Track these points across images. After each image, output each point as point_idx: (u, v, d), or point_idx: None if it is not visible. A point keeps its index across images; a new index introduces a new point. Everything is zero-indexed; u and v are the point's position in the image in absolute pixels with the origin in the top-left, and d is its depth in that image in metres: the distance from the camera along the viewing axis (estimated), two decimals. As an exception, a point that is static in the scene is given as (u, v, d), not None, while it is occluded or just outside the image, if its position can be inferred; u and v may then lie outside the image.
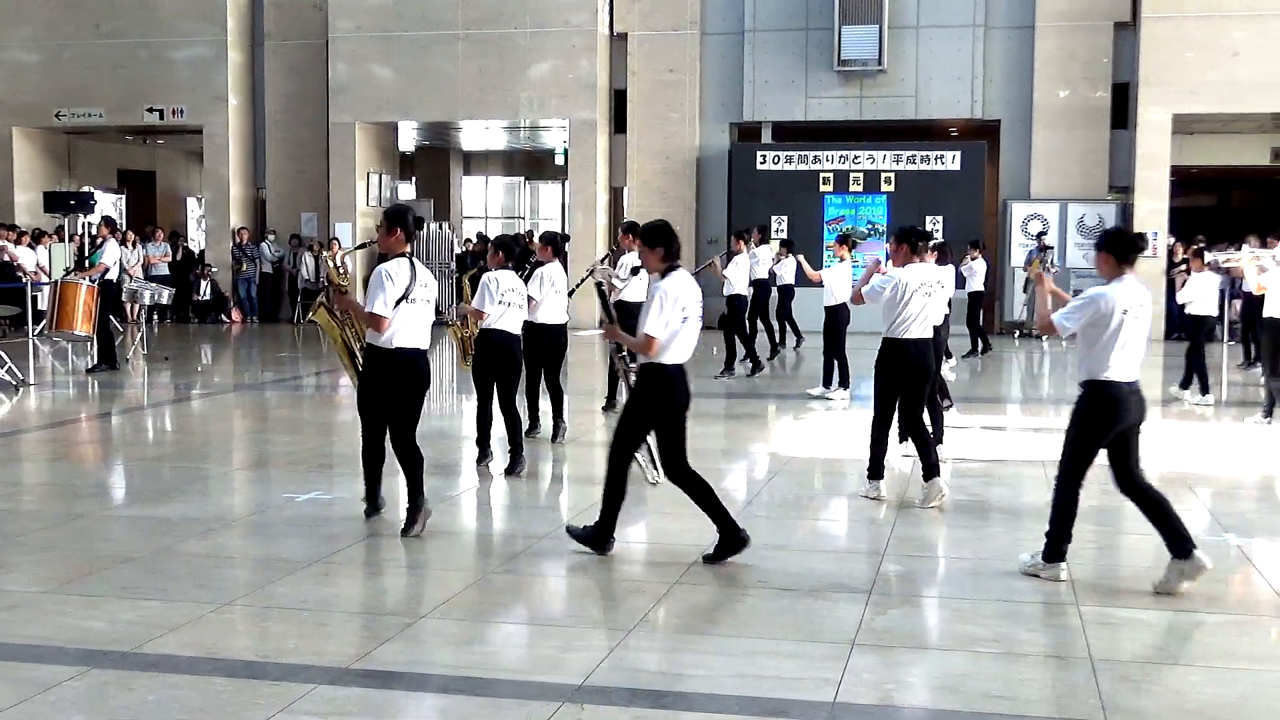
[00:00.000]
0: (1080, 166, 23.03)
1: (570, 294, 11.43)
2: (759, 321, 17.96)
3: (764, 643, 5.65)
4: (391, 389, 7.46)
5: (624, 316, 9.14)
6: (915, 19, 23.24)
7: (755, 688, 5.10)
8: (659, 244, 6.85)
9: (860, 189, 23.45)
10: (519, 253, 10.03)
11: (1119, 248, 6.55)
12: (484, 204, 35.36)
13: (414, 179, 31.61)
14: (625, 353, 7.88)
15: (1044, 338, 17.65)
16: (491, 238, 10.11)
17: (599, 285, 7.74)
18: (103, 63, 25.45)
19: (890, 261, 9.06)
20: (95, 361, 16.12)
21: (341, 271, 8.26)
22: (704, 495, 6.95)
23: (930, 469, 8.44)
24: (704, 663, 5.45)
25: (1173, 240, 22.82)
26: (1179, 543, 6.37)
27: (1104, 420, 6.44)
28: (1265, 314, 12.53)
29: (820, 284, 14.53)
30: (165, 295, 19.18)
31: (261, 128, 25.93)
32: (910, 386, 8.50)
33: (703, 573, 6.82)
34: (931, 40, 23.30)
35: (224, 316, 25.61)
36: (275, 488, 9.27)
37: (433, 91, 24.44)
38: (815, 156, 23.59)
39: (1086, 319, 6.41)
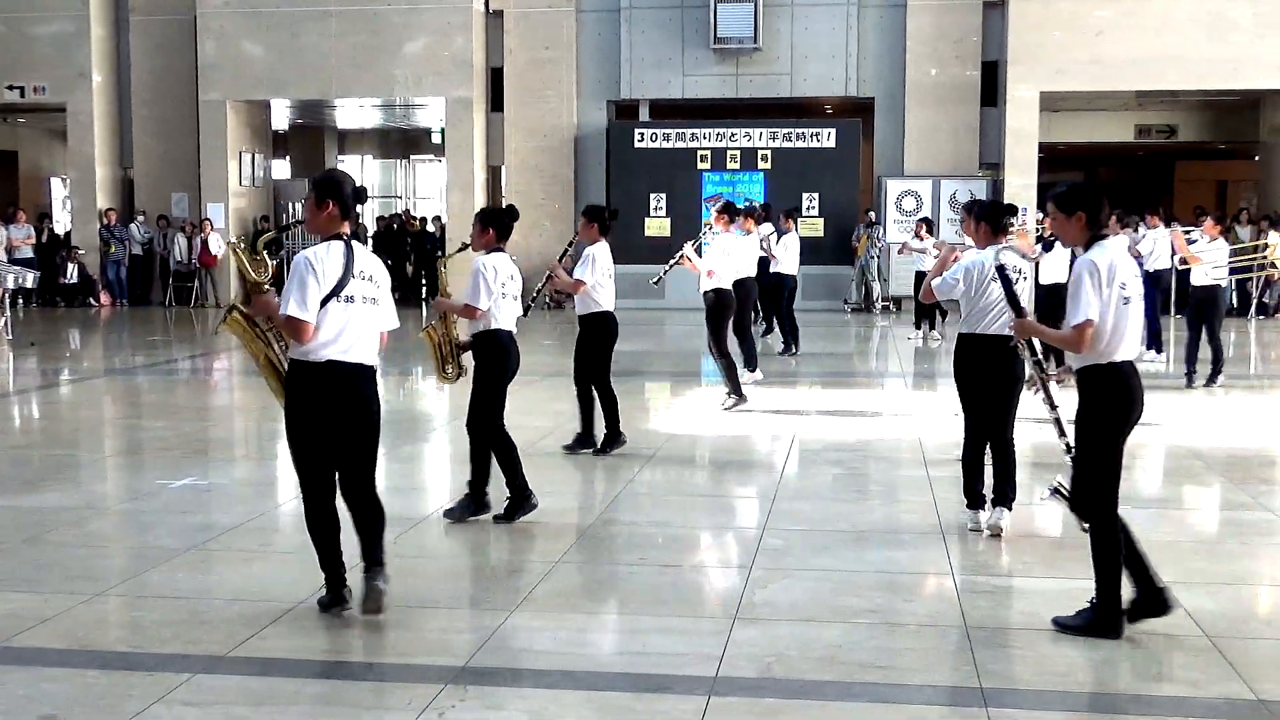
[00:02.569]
0: (952, 143, 23.42)
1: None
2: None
3: (646, 619, 5.69)
4: (327, 419, 5.50)
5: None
6: (790, -3, 23.46)
7: (638, 664, 5.13)
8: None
9: (737, 166, 23.61)
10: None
11: (994, 217, 6.85)
12: (360, 183, 34.86)
13: (288, 158, 31.12)
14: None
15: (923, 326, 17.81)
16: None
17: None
18: (-41, 39, 24.62)
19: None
20: (-43, 348, 15.63)
21: (261, 265, 5.82)
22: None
23: (1004, 495, 7.13)
24: (587, 640, 5.47)
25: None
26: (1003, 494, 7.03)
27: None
28: (1194, 283, 13.26)
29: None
30: (29, 279, 18.66)
31: (128, 106, 25.25)
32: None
33: (584, 550, 6.84)
34: (806, 18, 23.50)
35: (92, 300, 24.95)
36: (148, 474, 9.08)
37: (305, 69, 24.03)
38: (692, 134, 23.69)
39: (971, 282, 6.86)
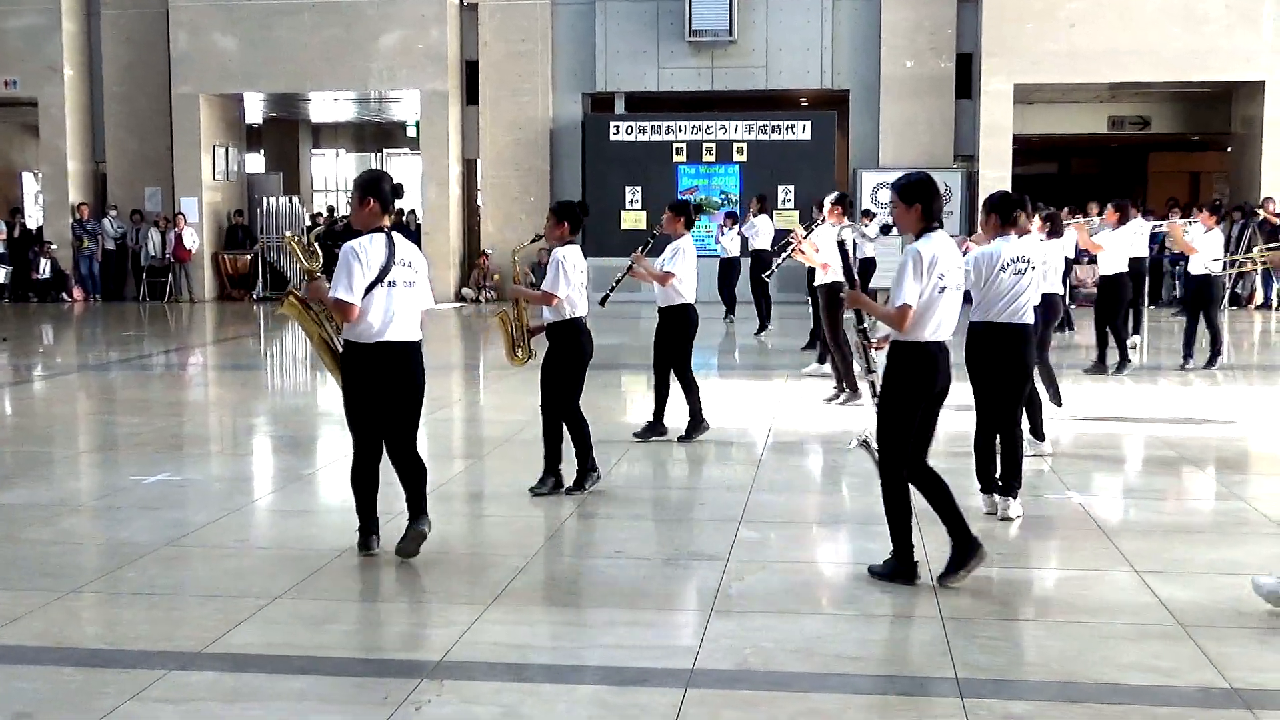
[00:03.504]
0: (927, 135, 23.49)
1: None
2: (753, 292, 18.41)
3: (622, 612, 5.69)
4: (379, 391, 6.30)
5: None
6: (765, -10, 23.46)
7: (615, 657, 5.13)
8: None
9: (713, 159, 23.61)
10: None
11: (1005, 208, 6.92)
12: (335, 177, 34.81)
13: (262, 152, 30.99)
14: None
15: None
16: (558, 204, 8.14)
17: (840, 243, 7.36)
18: (-71, 32, 24.43)
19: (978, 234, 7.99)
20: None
21: (313, 255, 6.55)
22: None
23: (1010, 485, 7.29)
24: (563, 634, 5.47)
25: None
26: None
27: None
28: (1191, 272, 13.55)
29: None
30: (2, 274, 18.53)
31: (99, 100, 25.12)
32: (1006, 378, 7.17)
33: (560, 544, 6.84)
34: (781, 11, 23.52)
35: (65, 295, 24.82)
36: (122, 470, 9.03)
37: (279, 62, 23.94)
38: (668, 127, 23.68)
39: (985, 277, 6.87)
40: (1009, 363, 7.11)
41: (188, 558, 6.64)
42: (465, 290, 24.46)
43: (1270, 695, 4.71)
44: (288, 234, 6.73)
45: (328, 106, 28.83)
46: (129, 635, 5.39)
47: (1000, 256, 7.06)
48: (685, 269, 9.47)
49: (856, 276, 6.79)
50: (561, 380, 7.86)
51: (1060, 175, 32.00)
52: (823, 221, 11.67)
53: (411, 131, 28.11)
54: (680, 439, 9.69)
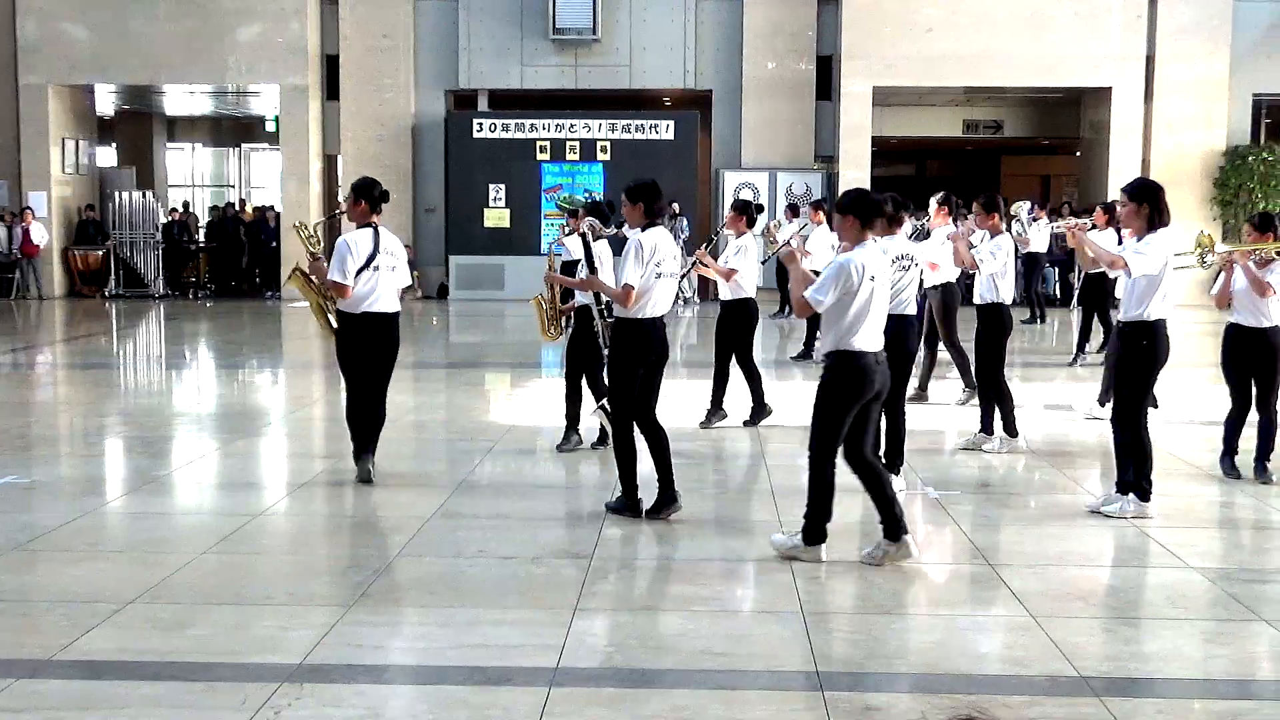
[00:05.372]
0: (788, 136, 23.77)
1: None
2: None
3: (487, 611, 5.67)
4: (365, 352, 8.10)
5: None
6: (628, -11, 23.53)
7: (479, 657, 5.10)
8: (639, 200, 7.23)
9: (577, 158, 23.61)
10: None
11: (863, 209, 6.35)
12: (191, 172, 34.05)
13: (114, 145, 30.17)
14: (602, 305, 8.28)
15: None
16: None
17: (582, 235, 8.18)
18: None
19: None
20: None
21: (314, 240, 8.38)
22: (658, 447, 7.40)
23: (893, 463, 8.07)
24: (427, 634, 5.42)
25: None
26: (893, 526, 6.35)
27: (855, 392, 6.23)
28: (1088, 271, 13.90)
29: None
30: None
31: (-58, 90, 24.23)
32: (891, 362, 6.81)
33: (424, 545, 6.79)
34: (645, 10, 23.62)
35: (-95, 291, 23.90)
36: (-34, 473, 8.72)
37: (132, 53, 23.32)
38: (532, 125, 23.61)
39: (840, 289, 6.17)
40: (896, 348, 7.36)
41: (36, 562, 6.44)
42: (326, 288, 24.07)
43: (1115, 683, 4.87)
44: (295, 223, 8.50)
45: (183, 99, 28.18)
46: (-27, 643, 5.22)
47: (891, 254, 7.71)
48: (748, 265, 10.21)
49: (594, 263, 7.91)
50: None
51: (917, 177, 32.64)
52: (927, 223, 11.11)
53: (271, 126, 27.58)
54: (745, 423, 10.31)
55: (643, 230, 7.11)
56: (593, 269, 7.83)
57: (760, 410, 10.37)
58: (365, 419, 8.21)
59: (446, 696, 4.73)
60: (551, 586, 6.07)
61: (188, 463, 9.09)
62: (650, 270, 7.01)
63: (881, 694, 4.75)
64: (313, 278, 8.36)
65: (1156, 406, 10.37)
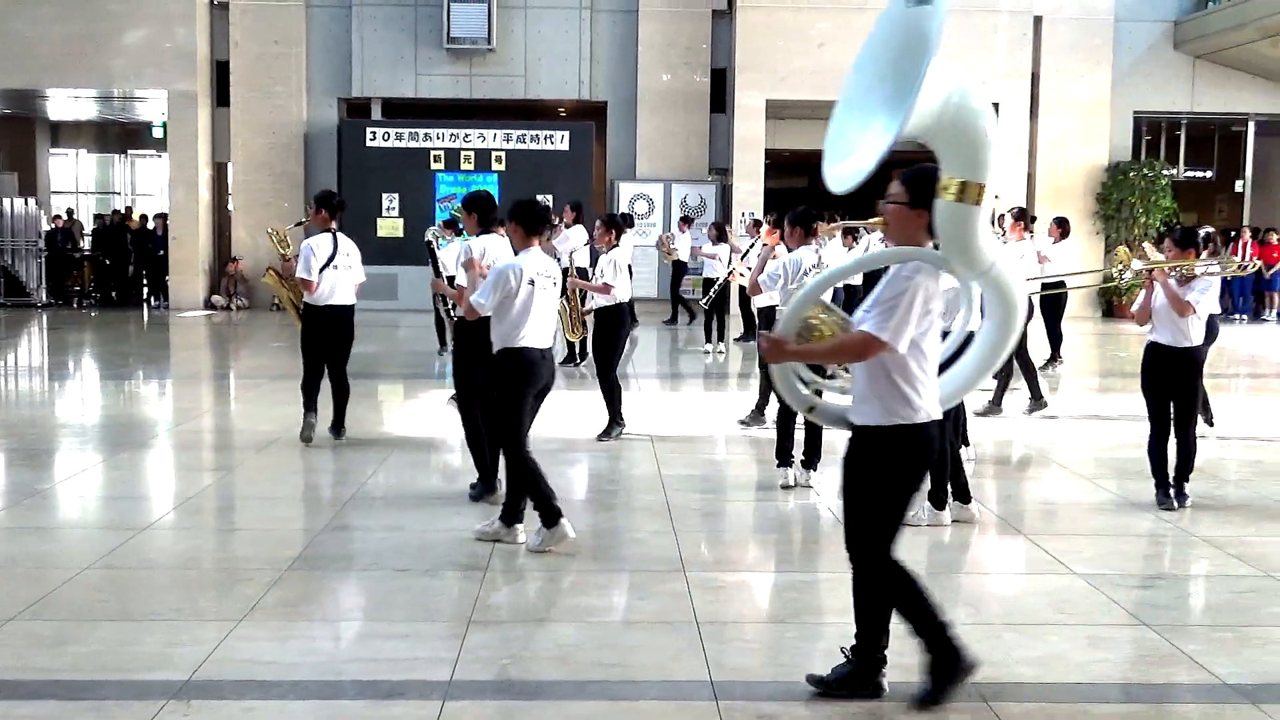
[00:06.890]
0: (683, 148, 23.90)
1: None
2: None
3: (379, 625, 5.61)
4: (326, 338, 9.73)
5: None
6: (524, -1, 23.51)
7: (371, 671, 5.05)
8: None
9: (471, 167, 23.50)
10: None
11: (528, 220, 6.96)
12: (75, 178, 33.32)
13: (-5, 150, 29.43)
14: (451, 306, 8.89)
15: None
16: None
17: (427, 244, 9.17)
18: None
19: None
20: None
21: (285, 244, 10.15)
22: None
23: (810, 459, 8.63)
24: (318, 649, 5.35)
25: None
26: (549, 513, 6.80)
27: (522, 383, 6.82)
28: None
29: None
30: None
31: None
32: None
33: (315, 558, 6.70)
34: (540, 21, 23.60)
35: None
36: None
37: (14, 56, 22.76)
38: (426, 134, 23.46)
39: (500, 293, 6.77)
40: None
41: (-89, 579, 6.25)
42: (215, 298, 23.68)
43: (1005, 688, 4.95)
44: (269, 229, 10.55)
45: (68, 104, 27.55)
46: None
47: (804, 263, 8.44)
48: (621, 278, 10.51)
49: (440, 270, 9.08)
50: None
51: (810, 189, 32.95)
52: (828, 239, 11.83)
53: (159, 133, 27.07)
54: (599, 437, 10.39)
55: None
56: (437, 273, 9.09)
57: (615, 423, 10.44)
58: (317, 389, 9.74)
59: (339, 711, 4.67)
60: (445, 599, 6.03)
61: (71, 475, 8.88)
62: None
63: (774, 703, 4.78)
64: (284, 276, 9.93)
65: (1211, 424, 10.93)
